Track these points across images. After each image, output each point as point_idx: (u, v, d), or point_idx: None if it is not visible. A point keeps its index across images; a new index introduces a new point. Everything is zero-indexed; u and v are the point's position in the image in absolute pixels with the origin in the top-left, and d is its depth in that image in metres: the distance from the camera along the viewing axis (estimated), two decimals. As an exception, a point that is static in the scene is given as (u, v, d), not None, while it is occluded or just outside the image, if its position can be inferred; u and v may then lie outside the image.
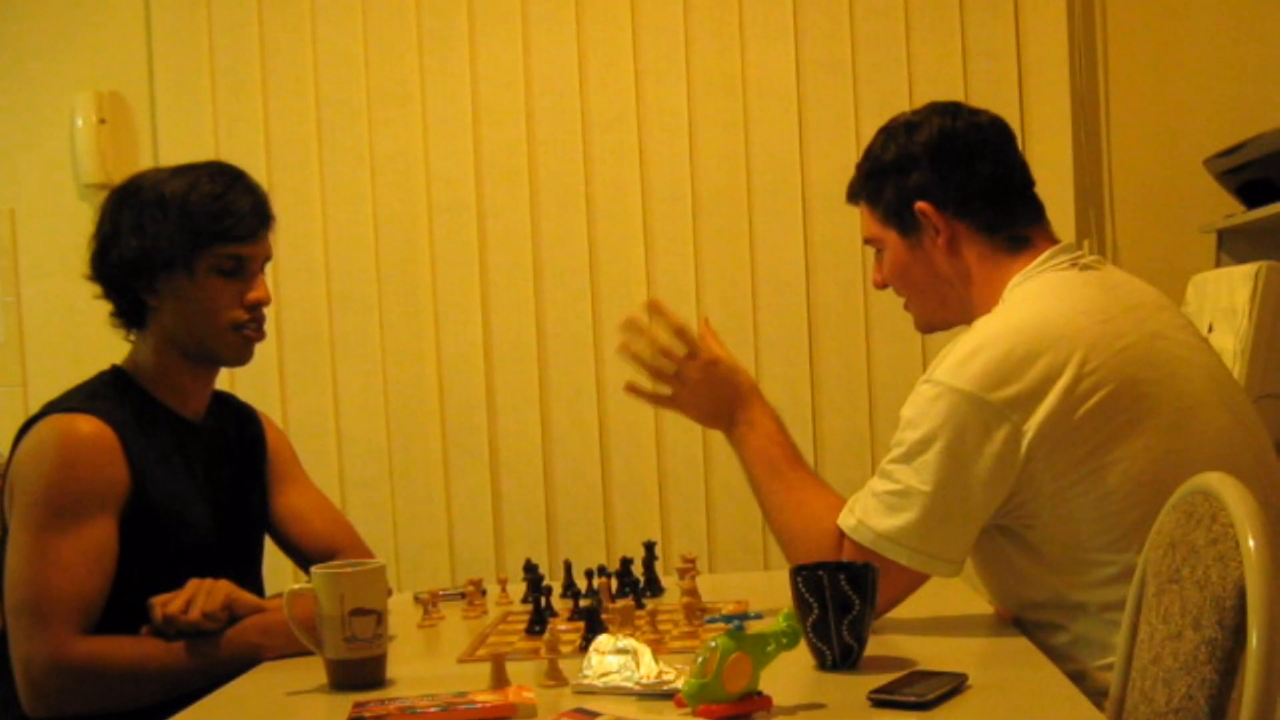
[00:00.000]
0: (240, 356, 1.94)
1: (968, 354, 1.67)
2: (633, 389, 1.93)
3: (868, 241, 1.92)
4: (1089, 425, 1.62)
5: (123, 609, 1.76)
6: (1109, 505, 1.62)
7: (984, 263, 1.81)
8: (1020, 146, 1.90)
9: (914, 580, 1.71)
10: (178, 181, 1.89)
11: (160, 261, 1.86)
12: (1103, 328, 1.67)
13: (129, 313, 1.93)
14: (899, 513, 1.68)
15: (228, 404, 2.08)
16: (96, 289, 1.94)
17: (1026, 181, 1.86)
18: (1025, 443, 1.63)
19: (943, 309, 1.88)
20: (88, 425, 1.79)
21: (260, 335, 1.97)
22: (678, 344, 1.88)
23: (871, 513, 1.70)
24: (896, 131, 1.86)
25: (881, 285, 1.93)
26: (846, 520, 1.72)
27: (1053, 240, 1.84)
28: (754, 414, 1.89)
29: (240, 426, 2.05)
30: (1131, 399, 1.64)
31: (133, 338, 1.95)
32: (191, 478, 1.87)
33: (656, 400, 1.93)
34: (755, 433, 1.88)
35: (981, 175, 1.82)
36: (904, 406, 1.73)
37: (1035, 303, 1.73)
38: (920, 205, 1.81)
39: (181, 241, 1.85)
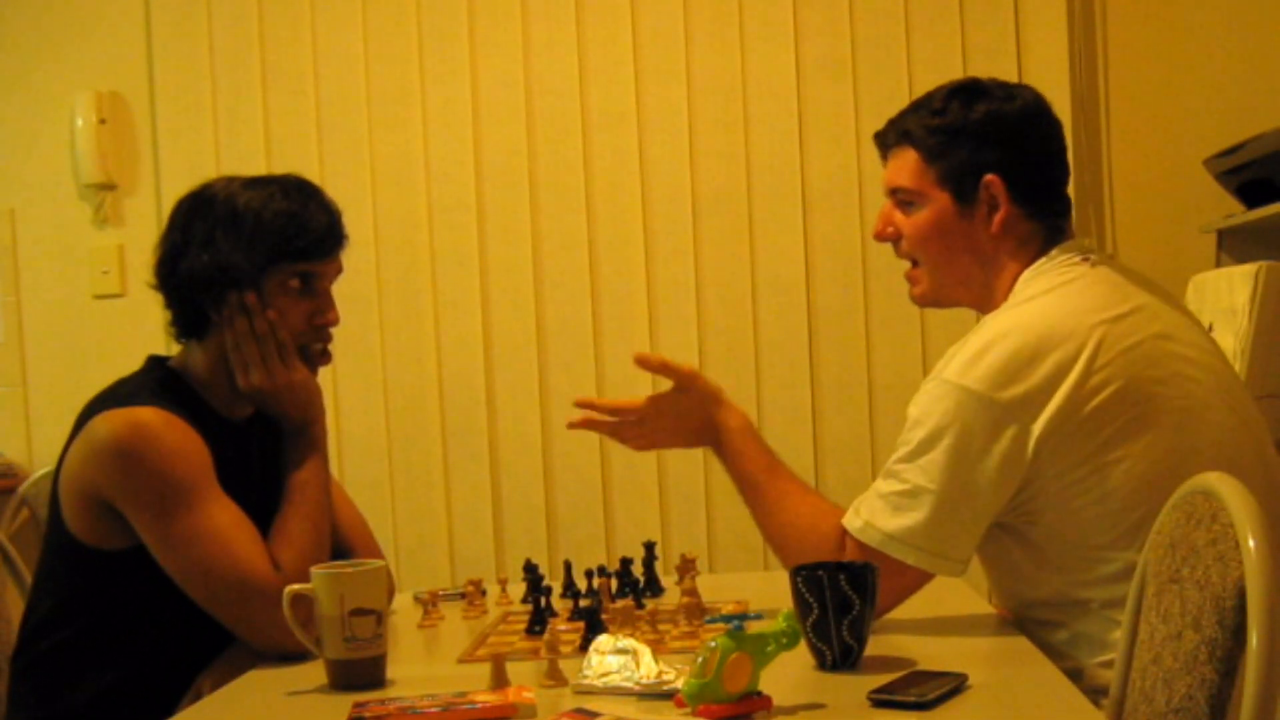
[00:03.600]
0: None
1: (976, 353, 1.66)
2: (605, 437, 1.99)
3: (896, 191, 1.83)
4: (1094, 422, 1.62)
5: (159, 597, 1.75)
6: (1112, 503, 1.63)
7: (1024, 248, 1.78)
8: None
9: (920, 579, 1.71)
10: (251, 195, 1.85)
11: (229, 278, 1.82)
12: (1112, 325, 1.66)
13: (189, 323, 1.89)
14: (906, 513, 1.67)
15: None
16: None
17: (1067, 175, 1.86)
18: (1033, 441, 1.62)
19: (961, 287, 1.83)
20: (167, 415, 1.77)
21: (326, 359, 1.94)
22: (622, 414, 1.94)
23: (879, 513, 1.69)
24: (986, 93, 1.80)
25: (889, 238, 1.86)
26: (853, 522, 1.72)
27: (1072, 231, 1.84)
28: (721, 434, 1.89)
29: (270, 421, 1.98)
30: (1138, 398, 1.64)
31: (185, 342, 1.92)
32: (234, 476, 1.85)
33: (637, 447, 1.99)
34: (726, 451, 1.89)
35: (1051, 161, 1.82)
36: (910, 405, 1.72)
37: (1045, 299, 1.71)
38: (991, 178, 1.76)
39: (252, 259, 1.82)
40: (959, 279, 1.82)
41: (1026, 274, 1.77)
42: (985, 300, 1.81)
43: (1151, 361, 1.67)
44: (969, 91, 1.81)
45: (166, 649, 1.79)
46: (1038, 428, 1.62)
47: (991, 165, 1.76)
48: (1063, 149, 1.84)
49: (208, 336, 1.88)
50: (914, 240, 1.82)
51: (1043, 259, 1.78)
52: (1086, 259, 1.77)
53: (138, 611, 1.80)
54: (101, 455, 1.75)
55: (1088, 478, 1.63)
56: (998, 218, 1.77)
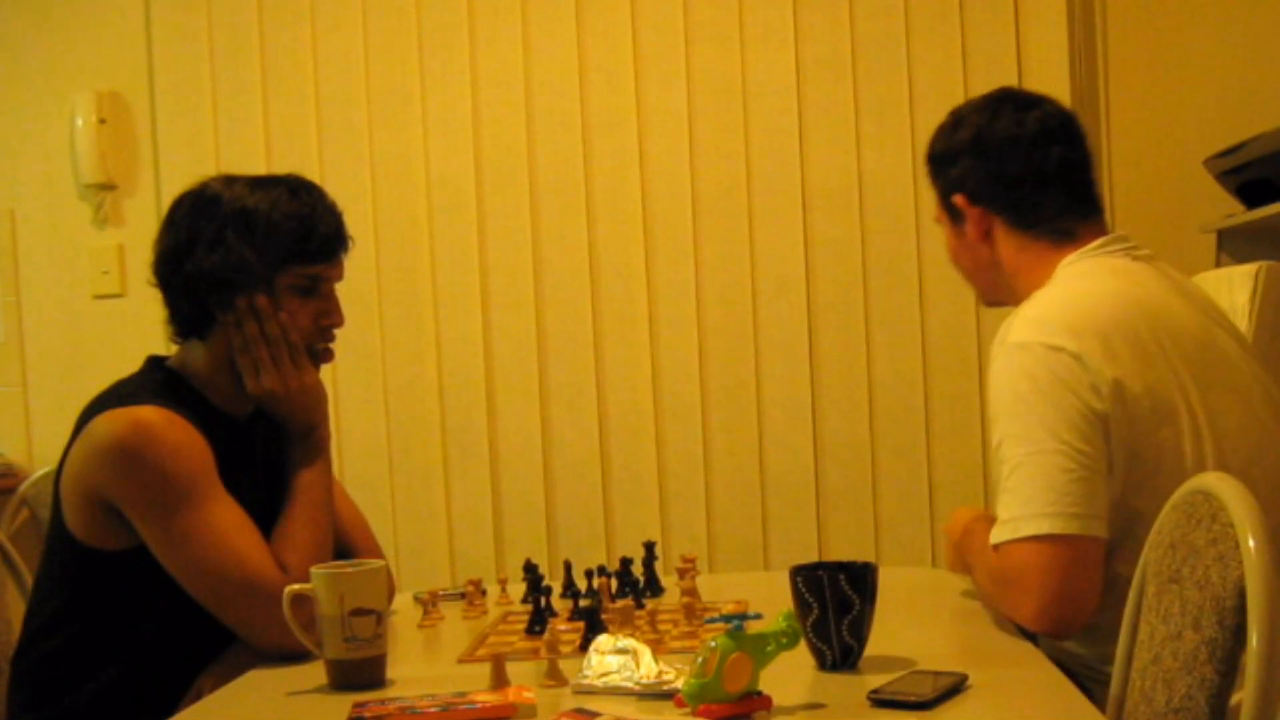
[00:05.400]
0: None
1: (1021, 320, 1.74)
2: None
3: (939, 220, 2.01)
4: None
5: (160, 597, 1.75)
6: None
7: (1024, 253, 1.88)
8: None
9: (1074, 551, 1.62)
10: (260, 196, 1.85)
11: (240, 279, 1.82)
12: (1138, 316, 1.72)
13: (190, 321, 1.89)
14: (1021, 488, 1.64)
15: None
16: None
17: (1071, 175, 1.89)
18: (1084, 362, 1.64)
19: (993, 289, 1.97)
20: (168, 414, 1.76)
21: (329, 356, 1.95)
22: None
23: (1003, 508, 1.67)
24: (945, 125, 1.96)
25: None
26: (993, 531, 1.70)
27: (1102, 232, 1.88)
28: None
29: (272, 419, 1.95)
30: (1155, 389, 1.67)
31: (183, 341, 1.92)
32: (237, 474, 1.85)
33: None
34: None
35: (1012, 172, 1.87)
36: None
37: (1080, 281, 1.79)
38: (956, 198, 1.91)
39: (264, 260, 1.83)
40: (987, 285, 1.97)
41: (1069, 259, 1.84)
42: (1020, 299, 1.86)
43: (1175, 355, 1.70)
44: (946, 122, 1.97)
45: (166, 649, 1.79)
46: (1083, 353, 1.65)
47: (955, 185, 1.92)
48: (1036, 152, 1.87)
49: (210, 335, 1.88)
50: (951, 258, 2.02)
51: (1087, 247, 1.84)
52: (1130, 252, 1.85)
53: (138, 612, 1.80)
54: (103, 455, 1.75)
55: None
56: (976, 231, 1.91)
